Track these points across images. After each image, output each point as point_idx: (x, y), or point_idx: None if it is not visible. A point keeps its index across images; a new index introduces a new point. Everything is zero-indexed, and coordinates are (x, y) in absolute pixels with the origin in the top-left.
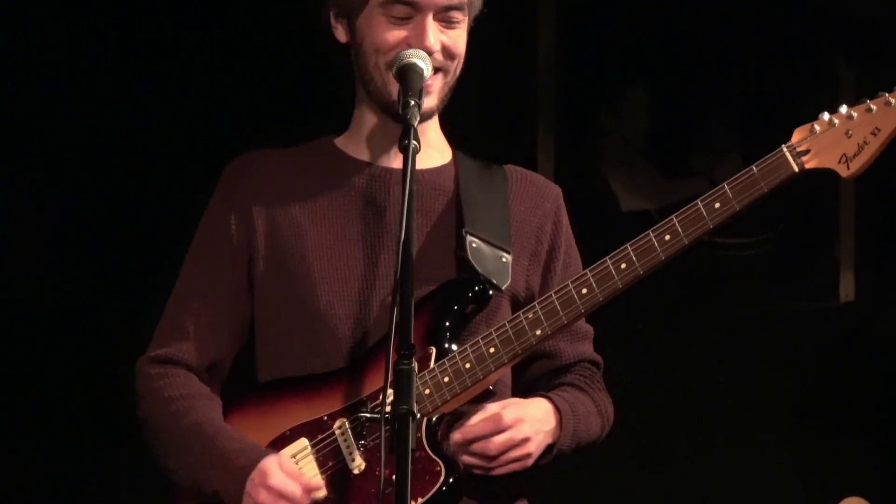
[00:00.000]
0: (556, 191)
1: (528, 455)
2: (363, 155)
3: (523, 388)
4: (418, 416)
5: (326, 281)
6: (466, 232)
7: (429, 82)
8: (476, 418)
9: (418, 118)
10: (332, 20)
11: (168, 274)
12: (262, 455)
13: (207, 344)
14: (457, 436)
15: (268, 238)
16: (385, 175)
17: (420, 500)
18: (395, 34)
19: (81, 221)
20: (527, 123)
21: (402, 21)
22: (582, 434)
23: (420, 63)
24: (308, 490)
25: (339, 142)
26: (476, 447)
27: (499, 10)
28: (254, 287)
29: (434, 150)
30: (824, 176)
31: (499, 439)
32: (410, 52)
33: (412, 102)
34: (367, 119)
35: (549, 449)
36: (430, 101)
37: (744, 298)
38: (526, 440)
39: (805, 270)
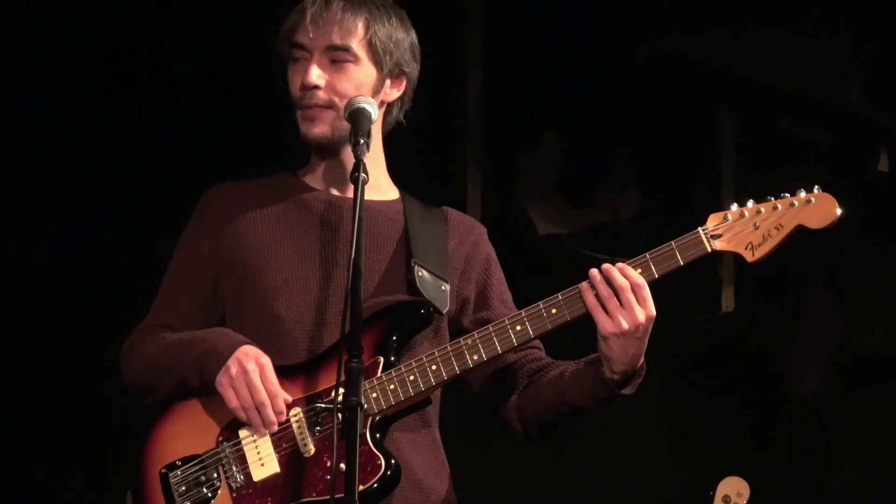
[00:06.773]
0: (481, 228)
1: (645, 329)
2: (319, 185)
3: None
4: (365, 407)
5: (286, 289)
6: (415, 262)
7: (314, 112)
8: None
9: (367, 154)
10: None
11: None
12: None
13: None
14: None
15: (235, 254)
16: (339, 202)
17: (361, 487)
18: (295, 77)
19: (75, 242)
20: (458, 162)
21: (300, 63)
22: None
23: (368, 107)
24: (276, 395)
25: (300, 174)
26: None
27: (433, 67)
28: (224, 294)
29: (382, 187)
30: (708, 203)
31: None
32: (360, 98)
33: (361, 141)
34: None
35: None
36: (320, 129)
37: None
38: (652, 319)
39: (692, 287)
